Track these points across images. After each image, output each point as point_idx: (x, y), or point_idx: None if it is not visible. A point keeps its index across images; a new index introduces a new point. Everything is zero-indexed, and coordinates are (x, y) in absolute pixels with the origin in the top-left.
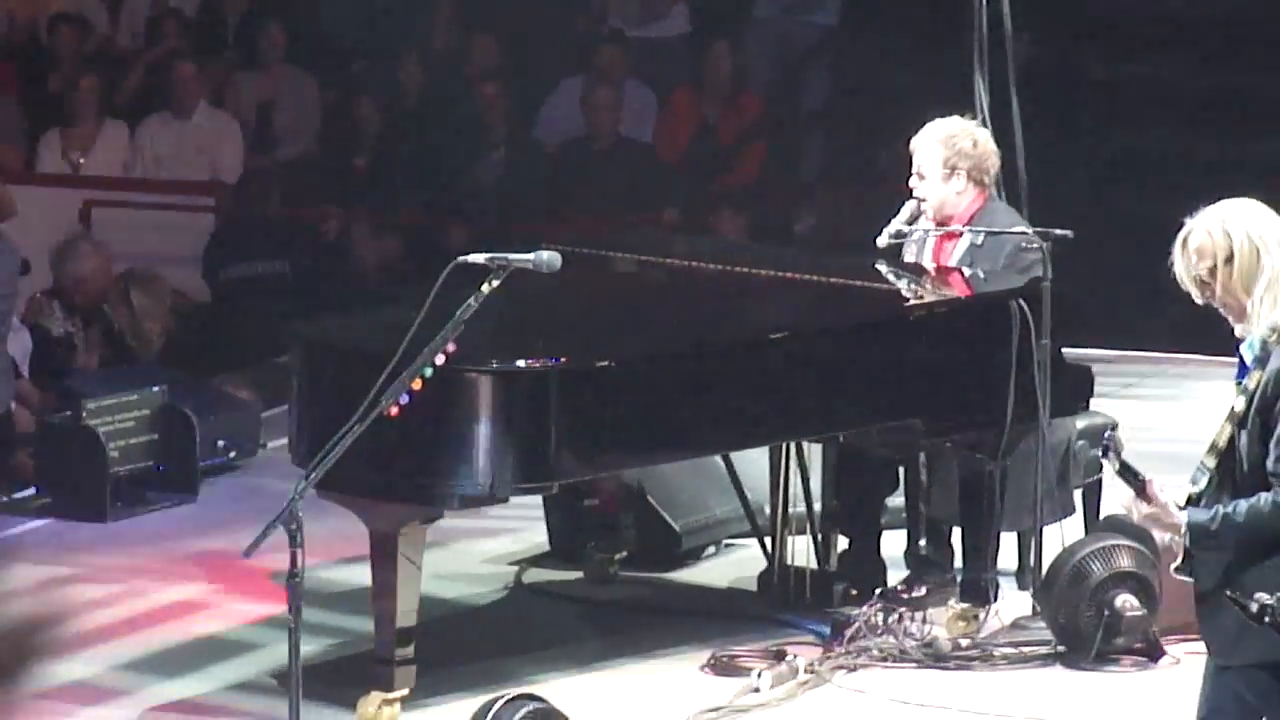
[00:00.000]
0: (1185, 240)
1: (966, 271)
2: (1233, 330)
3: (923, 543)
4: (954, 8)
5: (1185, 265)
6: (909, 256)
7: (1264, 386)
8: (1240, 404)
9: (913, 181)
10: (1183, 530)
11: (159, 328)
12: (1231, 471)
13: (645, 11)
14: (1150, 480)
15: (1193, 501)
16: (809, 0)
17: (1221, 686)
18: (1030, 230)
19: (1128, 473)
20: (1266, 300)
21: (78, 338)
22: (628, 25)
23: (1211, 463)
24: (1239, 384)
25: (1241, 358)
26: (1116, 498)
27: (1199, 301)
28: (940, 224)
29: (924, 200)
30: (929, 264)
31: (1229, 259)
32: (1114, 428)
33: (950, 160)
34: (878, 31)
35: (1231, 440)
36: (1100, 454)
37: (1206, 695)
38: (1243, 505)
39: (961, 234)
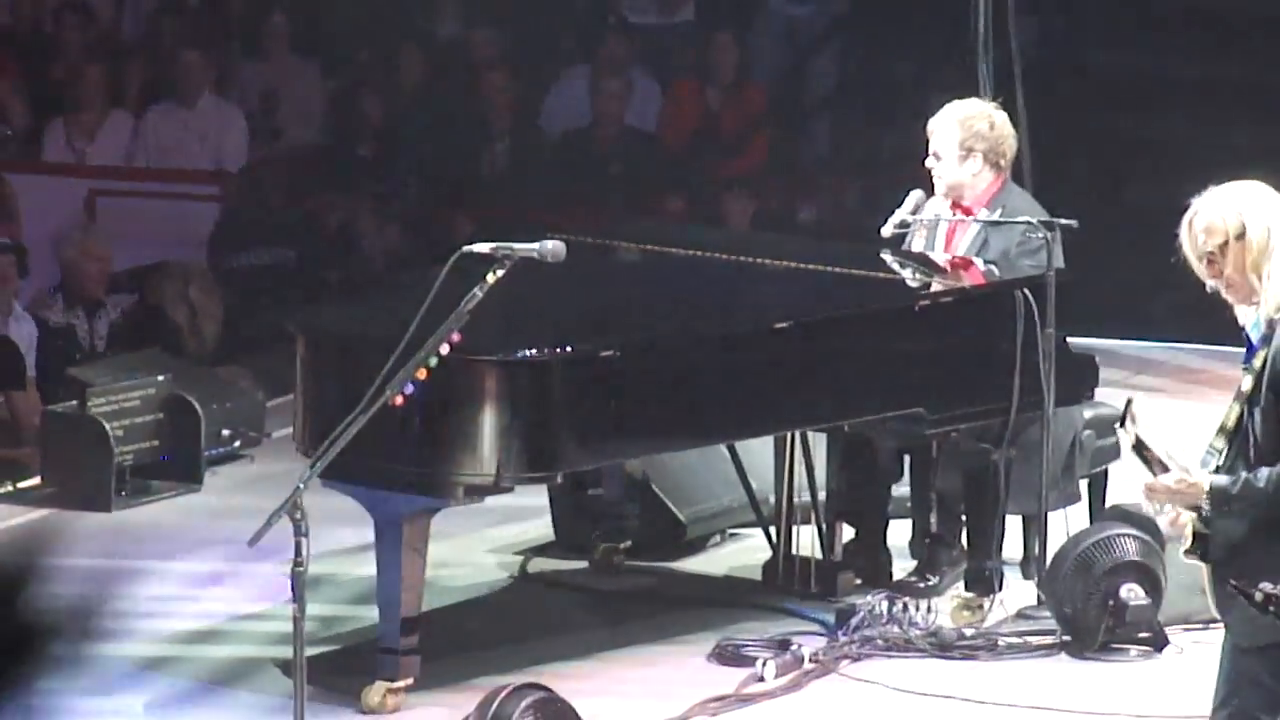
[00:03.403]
0: (1192, 220)
1: (980, 265)
2: (1235, 312)
3: (932, 519)
4: None
5: (1192, 243)
6: (917, 244)
7: (1272, 361)
8: (1248, 383)
9: (929, 162)
10: (1204, 491)
11: (215, 326)
12: (1244, 451)
13: (659, 7)
14: (1162, 458)
15: None
16: None
17: (1240, 669)
18: (1037, 219)
19: (1143, 448)
20: (1277, 278)
21: (80, 329)
22: (634, 14)
23: (1221, 444)
24: (1247, 365)
25: (1248, 338)
26: (1123, 488)
27: (1206, 281)
28: (954, 206)
29: (938, 178)
30: (940, 251)
31: (1240, 235)
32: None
33: (966, 142)
34: (881, 20)
35: (1240, 420)
36: (1118, 423)
37: (1224, 678)
38: (1264, 472)
39: (969, 221)
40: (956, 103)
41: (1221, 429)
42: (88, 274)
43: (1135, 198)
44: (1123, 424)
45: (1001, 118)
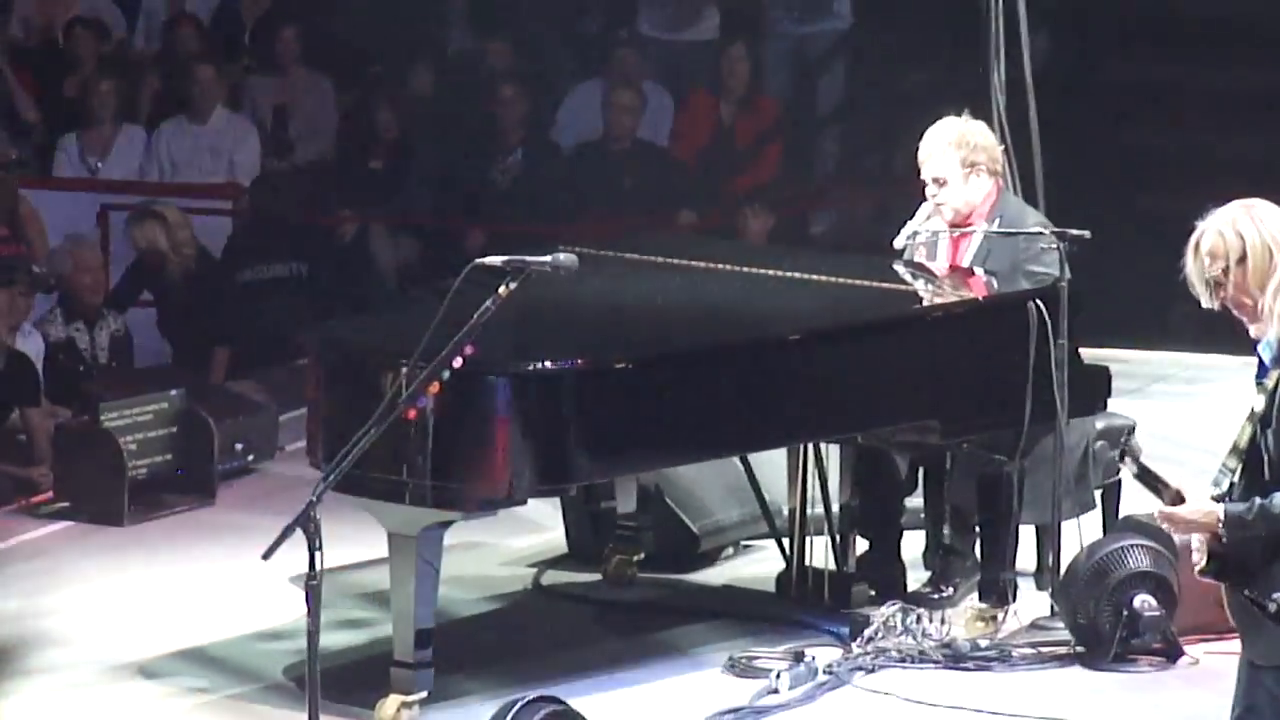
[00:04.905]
0: (1197, 243)
1: (981, 274)
2: (1248, 330)
3: (946, 530)
4: (969, 8)
5: (1198, 268)
6: (917, 258)
7: None
8: (1261, 403)
9: (930, 190)
10: (1219, 519)
11: (192, 239)
12: (1256, 471)
13: (676, 19)
14: (1170, 484)
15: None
16: (824, 3)
17: (1256, 685)
18: (1048, 225)
19: (1148, 476)
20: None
21: (80, 341)
22: (654, 29)
23: (1234, 464)
24: (1259, 384)
25: (1261, 359)
26: (1136, 498)
27: (1209, 305)
28: (962, 224)
29: (945, 204)
30: (942, 265)
31: (1241, 259)
32: (1131, 430)
33: (968, 159)
34: (893, 32)
35: (1253, 440)
36: (1118, 458)
37: (1241, 694)
38: (1278, 496)
39: (972, 232)
40: (939, 126)
41: (1234, 449)
42: (83, 286)
43: (1149, 208)
44: (1122, 460)
45: (984, 126)
